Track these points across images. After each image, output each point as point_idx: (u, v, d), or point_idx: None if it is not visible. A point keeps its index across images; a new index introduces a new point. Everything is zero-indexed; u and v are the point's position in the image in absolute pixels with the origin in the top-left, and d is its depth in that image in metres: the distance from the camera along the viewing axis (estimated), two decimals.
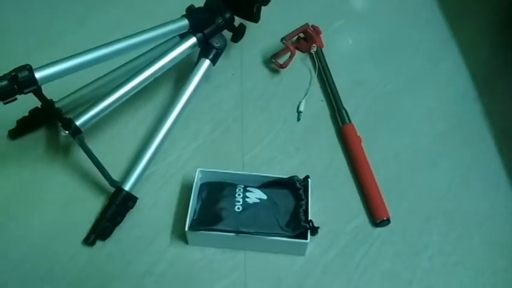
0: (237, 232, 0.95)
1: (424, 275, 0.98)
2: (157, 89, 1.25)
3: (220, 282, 0.97)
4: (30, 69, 0.87)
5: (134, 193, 1.05)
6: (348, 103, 1.23)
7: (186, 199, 1.02)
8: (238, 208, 0.98)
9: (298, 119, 1.22)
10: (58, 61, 0.94)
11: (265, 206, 0.99)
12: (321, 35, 1.35)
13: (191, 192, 1.01)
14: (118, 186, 1.03)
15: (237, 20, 1.24)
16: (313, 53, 1.32)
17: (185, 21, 1.13)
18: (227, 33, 1.23)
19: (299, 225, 0.95)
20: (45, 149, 1.16)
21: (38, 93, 0.90)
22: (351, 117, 1.19)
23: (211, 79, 1.28)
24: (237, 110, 1.24)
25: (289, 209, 1.00)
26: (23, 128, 1.17)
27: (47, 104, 0.96)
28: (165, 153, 1.14)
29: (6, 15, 1.46)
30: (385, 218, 1.03)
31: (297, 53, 1.32)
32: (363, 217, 1.06)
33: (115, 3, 1.48)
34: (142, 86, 1.10)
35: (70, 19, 1.45)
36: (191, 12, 1.16)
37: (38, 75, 0.89)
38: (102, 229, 1.01)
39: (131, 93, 1.08)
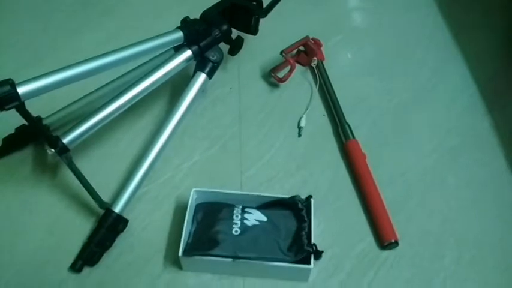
0: (235, 257, 0.89)
1: None
2: (151, 104, 1.21)
3: None
4: (12, 84, 0.81)
5: (125, 215, 0.99)
6: (351, 118, 1.17)
7: (181, 221, 0.96)
8: (236, 231, 0.92)
9: (299, 135, 1.17)
10: (43, 75, 0.88)
11: (265, 229, 0.93)
12: (322, 48, 1.31)
13: (186, 214, 0.95)
14: (107, 208, 0.98)
15: (235, 33, 1.19)
16: (314, 66, 1.28)
17: (180, 33, 1.08)
18: (224, 46, 1.18)
19: (302, 250, 0.89)
20: (32, 169, 1.10)
21: (22, 109, 0.84)
22: (354, 133, 1.14)
23: (207, 93, 1.23)
24: (235, 125, 1.19)
25: (290, 231, 0.94)
26: (9, 146, 1.11)
27: (32, 121, 0.90)
28: (159, 172, 1.09)
29: (3, 32, 1.41)
30: (393, 240, 0.96)
31: (297, 66, 1.28)
32: (369, 239, 0.99)
33: (110, 17, 1.45)
34: (135, 101, 1.04)
35: (64, 33, 1.41)
36: (186, 24, 1.11)
37: (20, 90, 0.83)
38: (90, 255, 0.95)
39: (123, 109, 1.03)
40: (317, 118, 1.21)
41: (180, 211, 1.01)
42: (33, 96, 0.86)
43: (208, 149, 1.15)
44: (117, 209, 0.98)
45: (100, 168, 1.09)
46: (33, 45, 1.38)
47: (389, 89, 1.28)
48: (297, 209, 0.95)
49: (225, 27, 1.14)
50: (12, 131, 1.10)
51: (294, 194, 0.98)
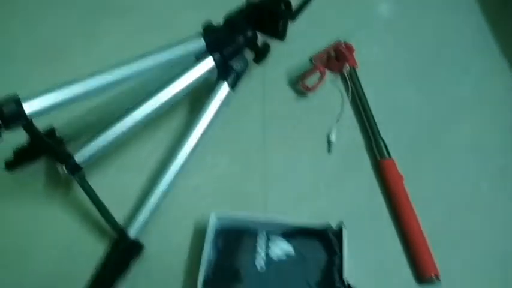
0: None
1: None
2: (170, 113, 1.12)
3: None
4: (18, 102, 0.74)
5: (141, 238, 0.93)
6: (387, 132, 1.08)
7: (200, 245, 0.89)
8: (262, 268, 0.84)
9: (329, 151, 1.08)
10: (53, 88, 0.81)
11: (292, 264, 0.85)
12: (354, 54, 1.20)
13: (205, 239, 0.88)
14: (122, 232, 0.91)
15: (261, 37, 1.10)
16: (345, 73, 1.18)
17: (201, 41, 1.00)
18: (250, 53, 1.09)
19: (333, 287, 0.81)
20: (45, 184, 1.04)
21: (28, 128, 0.78)
22: (390, 151, 1.04)
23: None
24: (259, 139, 1.11)
25: (320, 264, 0.86)
26: (21, 159, 1.05)
27: (41, 139, 0.83)
28: (177, 189, 1.01)
29: (15, 30, 1.34)
30: (433, 275, 0.88)
31: (327, 73, 1.18)
32: (406, 272, 0.91)
33: (128, 18, 1.36)
34: (151, 118, 0.97)
35: (78, 35, 1.32)
36: (208, 31, 1.02)
37: (27, 109, 0.76)
38: (103, 282, 0.89)
39: (140, 125, 0.96)
40: (349, 131, 1.11)
41: (199, 234, 0.94)
42: (42, 114, 0.79)
43: (230, 164, 1.07)
44: (132, 232, 0.91)
45: (116, 184, 1.03)
46: (46, 48, 1.30)
47: (429, 100, 1.17)
48: (327, 239, 0.87)
49: (250, 33, 1.05)
50: (24, 144, 1.03)
51: (323, 218, 0.91)
